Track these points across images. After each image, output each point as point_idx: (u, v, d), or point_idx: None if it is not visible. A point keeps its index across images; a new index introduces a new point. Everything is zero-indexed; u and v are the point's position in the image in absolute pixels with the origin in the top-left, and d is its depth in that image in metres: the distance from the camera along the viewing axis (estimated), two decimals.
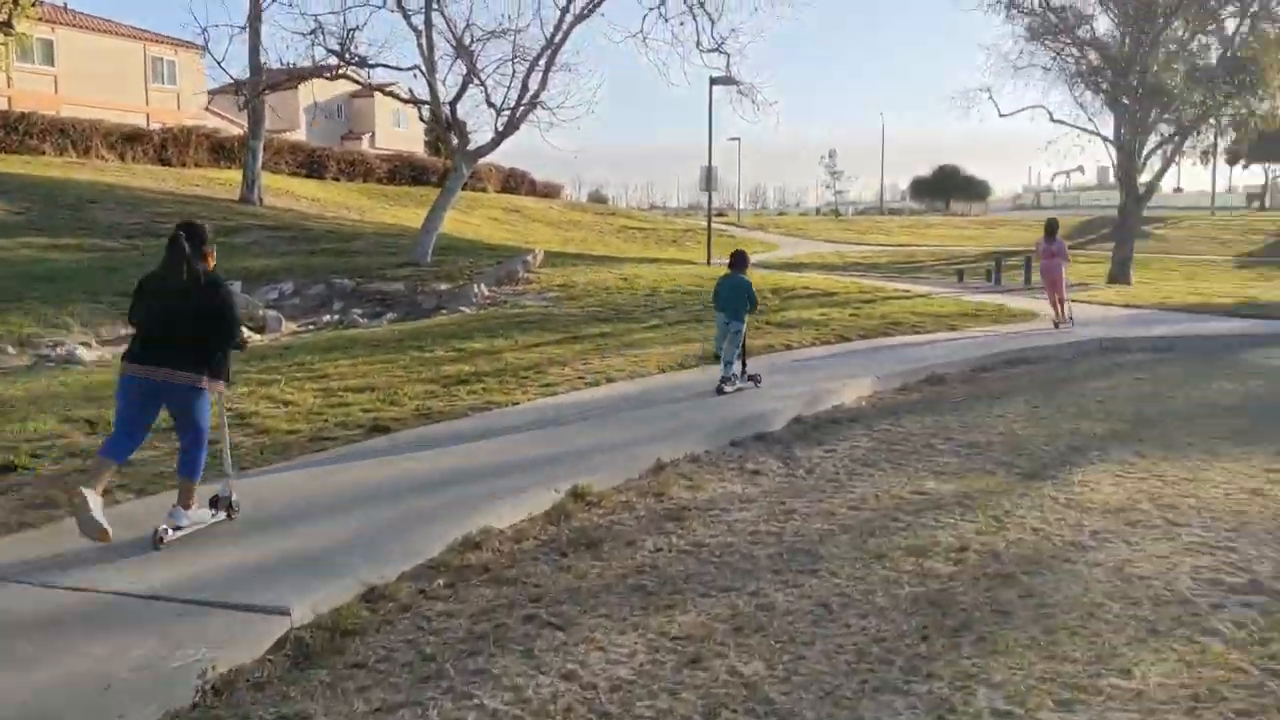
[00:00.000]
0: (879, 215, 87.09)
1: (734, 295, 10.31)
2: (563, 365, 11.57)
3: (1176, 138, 30.63)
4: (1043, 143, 44.15)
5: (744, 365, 10.53)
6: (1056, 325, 16.15)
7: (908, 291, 21.79)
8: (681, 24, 23.90)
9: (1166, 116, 30.33)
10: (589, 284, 20.40)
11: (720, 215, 76.60)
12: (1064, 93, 35.45)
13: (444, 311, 19.16)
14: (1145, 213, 35.16)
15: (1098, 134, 31.37)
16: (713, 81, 26.78)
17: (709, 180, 28.98)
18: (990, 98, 35.37)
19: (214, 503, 5.83)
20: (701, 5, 23.52)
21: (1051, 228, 17.31)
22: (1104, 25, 32.90)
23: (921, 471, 7.44)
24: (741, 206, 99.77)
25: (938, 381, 11.45)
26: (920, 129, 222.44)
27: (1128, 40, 30.28)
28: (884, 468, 7.57)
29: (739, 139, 69.89)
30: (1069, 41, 32.67)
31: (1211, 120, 31.55)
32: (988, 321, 16.81)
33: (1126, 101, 29.65)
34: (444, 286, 20.97)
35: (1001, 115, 33.80)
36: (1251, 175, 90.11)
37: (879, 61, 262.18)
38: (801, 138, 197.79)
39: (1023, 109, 34.17)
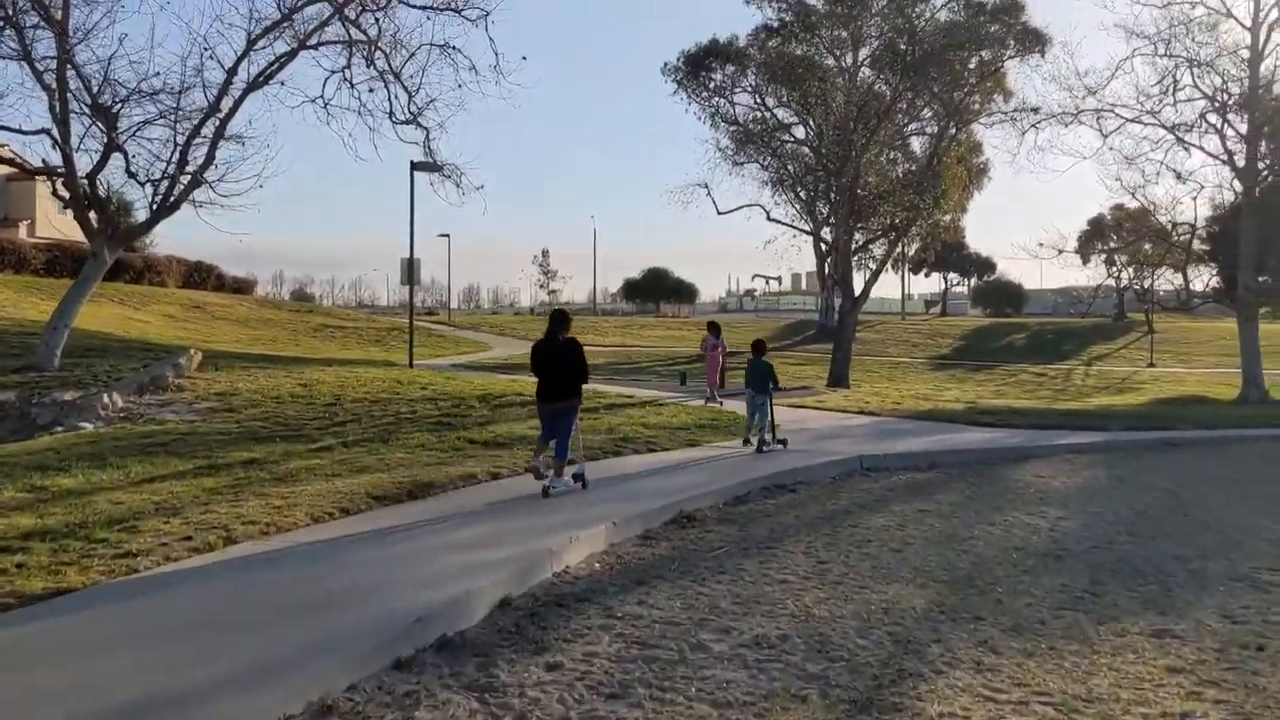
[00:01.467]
0: (593, 315, 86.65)
1: (758, 375, 12.62)
2: (172, 515, 8.07)
3: (887, 240, 30.84)
4: (749, 247, 44.96)
5: (774, 431, 12.78)
6: (714, 401, 19.21)
7: (633, 397, 19.51)
8: (370, 90, 20.95)
9: (861, 226, 30.59)
10: (257, 391, 16.72)
11: (431, 314, 73.46)
12: (778, 193, 35.46)
13: (60, 428, 14.95)
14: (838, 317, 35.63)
15: (813, 234, 31.16)
16: (414, 166, 23.98)
17: (410, 273, 25.89)
18: (709, 194, 34.75)
19: (575, 478, 9.78)
20: (396, 76, 20.74)
21: (715, 328, 20.99)
22: (807, 133, 33.29)
23: (698, 704, 4.69)
24: (454, 305, 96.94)
25: (689, 522, 8.86)
26: (629, 233, 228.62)
27: (831, 151, 30.35)
28: (639, 697, 4.76)
29: (449, 235, 68.36)
30: (774, 149, 32.79)
31: (912, 229, 32.37)
32: (725, 434, 14.67)
33: (836, 200, 29.54)
34: (68, 396, 16.65)
35: (720, 212, 33.27)
36: (929, 282, 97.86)
37: (594, 163, 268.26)
38: (515, 237, 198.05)
39: (739, 207, 33.72)
